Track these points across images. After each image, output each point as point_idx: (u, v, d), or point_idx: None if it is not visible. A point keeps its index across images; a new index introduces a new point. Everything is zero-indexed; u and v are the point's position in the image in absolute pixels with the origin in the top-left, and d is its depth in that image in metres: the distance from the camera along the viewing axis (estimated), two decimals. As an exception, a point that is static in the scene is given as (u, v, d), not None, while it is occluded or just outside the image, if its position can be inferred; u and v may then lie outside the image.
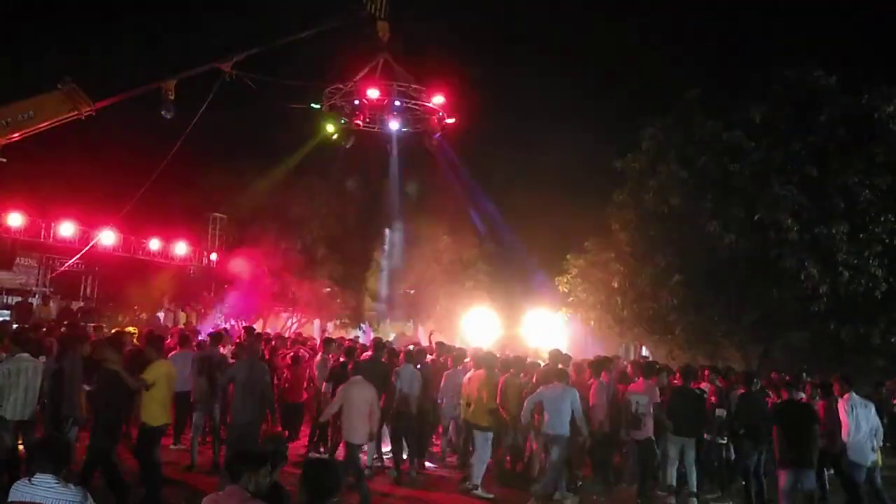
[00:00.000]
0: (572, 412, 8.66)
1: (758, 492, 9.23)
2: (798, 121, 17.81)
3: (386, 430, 10.02)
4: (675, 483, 9.18)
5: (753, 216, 17.16)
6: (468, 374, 10.15)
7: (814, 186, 17.18)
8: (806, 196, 17.03)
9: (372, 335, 26.76)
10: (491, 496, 9.08)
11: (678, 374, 10.34)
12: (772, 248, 16.94)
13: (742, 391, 9.75)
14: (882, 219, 16.74)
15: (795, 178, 17.19)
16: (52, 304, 26.32)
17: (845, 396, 8.73)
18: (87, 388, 8.29)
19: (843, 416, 8.56)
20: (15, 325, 15.23)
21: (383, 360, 10.31)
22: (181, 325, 22.71)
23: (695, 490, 9.14)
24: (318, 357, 11.70)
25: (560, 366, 9.65)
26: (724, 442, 9.94)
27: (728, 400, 9.92)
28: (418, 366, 10.45)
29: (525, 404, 8.97)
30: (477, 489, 9.11)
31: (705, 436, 9.53)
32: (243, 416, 8.59)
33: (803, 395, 9.23)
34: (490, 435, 9.40)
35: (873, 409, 8.83)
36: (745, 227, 17.31)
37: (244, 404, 8.61)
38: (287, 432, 11.52)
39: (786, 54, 19.02)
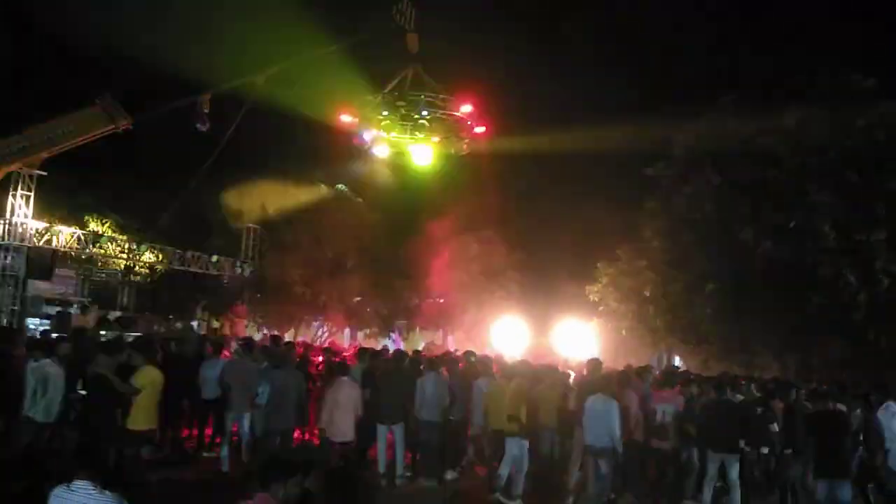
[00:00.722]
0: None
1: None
2: (835, 125, 17.44)
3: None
4: (710, 501, 8.82)
5: (790, 223, 16.85)
6: (491, 383, 10.09)
7: (852, 192, 16.80)
8: (843, 202, 16.66)
9: (402, 344, 26.85)
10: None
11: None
12: (808, 256, 16.60)
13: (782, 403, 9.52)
14: (923, 225, 16.32)
15: (832, 184, 16.84)
16: (89, 314, 26.84)
17: (883, 406, 8.57)
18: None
19: (881, 424, 8.41)
20: (55, 335, 15.60)
21: (405, 368, 10.29)
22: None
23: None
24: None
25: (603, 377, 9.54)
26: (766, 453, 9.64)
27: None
28: (445, 374, 10.39)
29: (583, 420, 8.75)
30: (515, 500, 8.95)
31: (748, 448, 9.08)
32: (279, 423, 8.68)
33: (841, 406, 8.96)
34: (526, 443, 9.24)
35: None
36: (781, 234, 16.99)
37: (280, 412, 8.69)
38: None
39: (822, 57, 18.62)
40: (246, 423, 9.71)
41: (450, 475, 10.04)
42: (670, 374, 10.53)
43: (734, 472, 8.64)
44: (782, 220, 17.05)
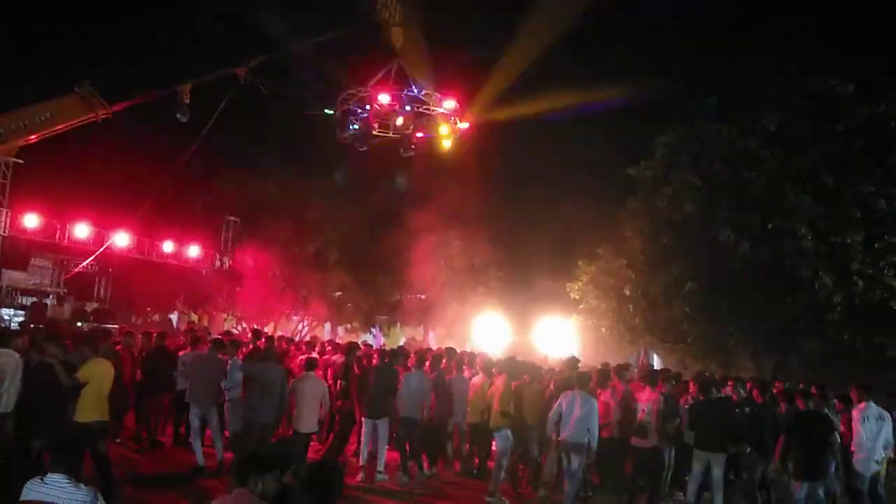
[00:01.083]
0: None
1: (766, 502, 9.13)
2: (814, 129, 17.68)
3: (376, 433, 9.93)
4: (694, 500, 8.83)
5: (768, 224, 17.05)
6: (475, 379, 10.21)
7: (829, 195, 17.03)
8: (821, 205, 16.89)
9: (382, 339, 26.83)
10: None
11: (690, 383, 10.25)
12: (786, 257, 16.81)
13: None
14: (898, 228, 16.59)
15: (811, 187, 17.06)
16: (65, 304, 26.53)
17: (861, 405, 8.65)
18: None
19: (855, 423, 8.49)
20: (31, 325, 15.41)
21: (392, 364, 10.33)
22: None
23: None
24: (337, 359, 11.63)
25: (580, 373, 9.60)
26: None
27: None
28: (433, 373, 10.44)
29: (551, 414, 8.82)
30: (492, 496, 8.98)
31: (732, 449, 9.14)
32: (261, 416, 8.67)
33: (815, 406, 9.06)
34: (509, 433, 9.28)
35: (889, 420, 8.70)
36: (759, 236, 17.19)
37: (262, 406, 8.69)
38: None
39: (802, 63, 18.83)
40: (213, 419, 9.59)
41: (429, 471, 10.06)
42: (652, 373, 10.53)
43: (719, 472, 8.65)
44: (760, 221, 17.24)
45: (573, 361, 10.53)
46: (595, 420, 8.53)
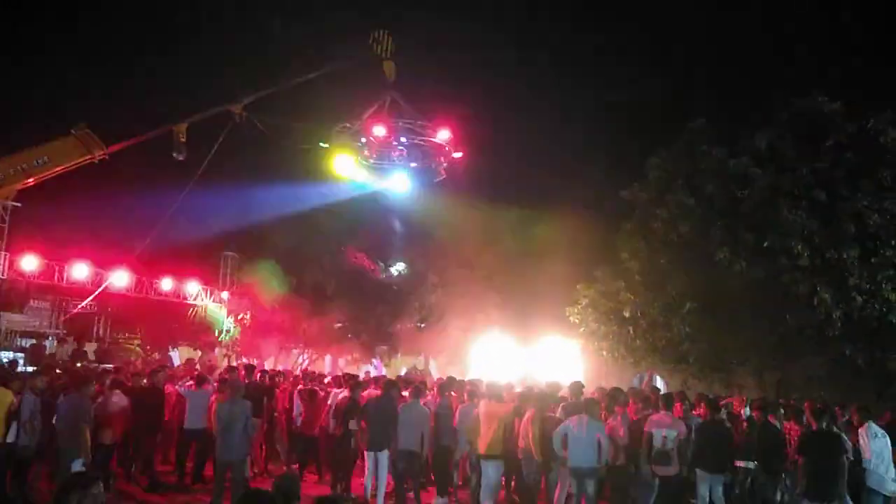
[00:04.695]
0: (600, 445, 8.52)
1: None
2: (804, 147, 17.86)
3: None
4: None
5: (763, 243, 17.13)
6: (482, 407, 10.13)
7: (823, 212, 17.13)
8: (815, 221, 17.00)
9: (383, 370, 26.71)
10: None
11: (698, 405, 10.25)
12: (783, 274, 16.87)
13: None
14: (893, 242, 16.63)
15: (804, 204, 17.18)
16: (66, 345, 26.42)
17: (864, 425, 8.67)
18: None
19: (864, 442, 8.47)
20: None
21: (391, 395, 10.30)
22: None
23: None
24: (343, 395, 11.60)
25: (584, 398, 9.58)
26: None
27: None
28: (437, 402, 10.43)
29: (553, 438, 8.75)
30: None
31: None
32: (224, 455, 8.72)
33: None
34: (501, 464, 9.25)
35: (888, 440, 8.72)
36: (755, 254, 17.26)
37: (225, 443, 8.72)
38: (298, 466, 11.59)
39: (790, 81, 19.15)
40: None
41: (438, 502, 9.99)
42: (668, 397, 10.25)
43: (718, 492, 8.76)
44: (755, 239, 17.32)
45: (577, 386, 10.47)
46: (604, 444, 8.53)
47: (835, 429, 8.82)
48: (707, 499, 8.83)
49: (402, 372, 23.74)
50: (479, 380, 14.02)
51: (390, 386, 10.54)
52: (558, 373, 19.79)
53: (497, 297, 27.03)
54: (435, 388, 11.28)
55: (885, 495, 8.43)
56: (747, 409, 10.67)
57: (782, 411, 10.17)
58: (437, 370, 25.90)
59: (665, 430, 8.88)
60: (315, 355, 28.59)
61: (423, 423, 9.82)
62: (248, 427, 8.89)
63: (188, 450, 11.36)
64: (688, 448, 9.03)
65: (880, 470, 8.34)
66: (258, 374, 13.72)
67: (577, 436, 8.55)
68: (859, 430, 8.65)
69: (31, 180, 17.51)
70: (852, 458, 8.44)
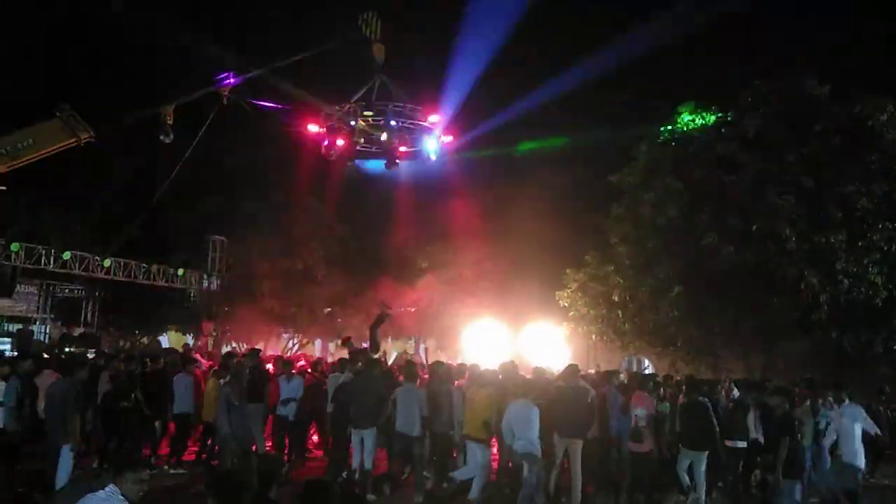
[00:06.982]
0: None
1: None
2: (792, 131, 17.89)
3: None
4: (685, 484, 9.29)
5: (751, 227, 17.19)
6: (468, 392, 10.10)
7: (810, 196, 17.22)
8: (803, 206, 17.07)
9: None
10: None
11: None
12: (770, 258, 16.95)
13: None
14: (880, 226, 16.76)
15: (791, 189, 17.24)
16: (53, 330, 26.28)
17: (842, 404, 9.00)
18: None
19: (838, 419, 8.85)
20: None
21: (376, 373, 10.17)
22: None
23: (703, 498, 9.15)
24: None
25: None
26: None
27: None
28: (435, 385, 10.33)
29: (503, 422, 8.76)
30: None
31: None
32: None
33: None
34: (490, 451, 9.27)
35: (864, 414, 9.16)
36: (742, 238, 17.34)
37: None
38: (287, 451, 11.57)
39: (778, 65, 19.15)
40: None
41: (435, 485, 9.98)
42: (644, 378, 10.70)
43: (700, 469, 9.09)
44: (743, 224, 17.38)
45: (574, 370, 10.27)
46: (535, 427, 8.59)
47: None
48: (683, 470, 9.25)
49: (393, 356, 23.74)
50: (474, 364, 14.04)
51: (372, 364, 10.38)
52: (546, 357, 19.93)
53: (487, 281, 27.07)
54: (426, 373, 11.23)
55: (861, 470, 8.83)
56: (735, 391, 10.84)
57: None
58: (427, 354, 25.89)
59: (639, 409, 9.29)
60: (305, 340, 28.61)
61: (421, 407, 9.57)
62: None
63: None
64: (665, 427, 9.51)
65: (855, 446, 8.80)
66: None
67: (516, 420, 8.57)
68: (836, 408, 9.13)
69: (16, 163, 17.31)
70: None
